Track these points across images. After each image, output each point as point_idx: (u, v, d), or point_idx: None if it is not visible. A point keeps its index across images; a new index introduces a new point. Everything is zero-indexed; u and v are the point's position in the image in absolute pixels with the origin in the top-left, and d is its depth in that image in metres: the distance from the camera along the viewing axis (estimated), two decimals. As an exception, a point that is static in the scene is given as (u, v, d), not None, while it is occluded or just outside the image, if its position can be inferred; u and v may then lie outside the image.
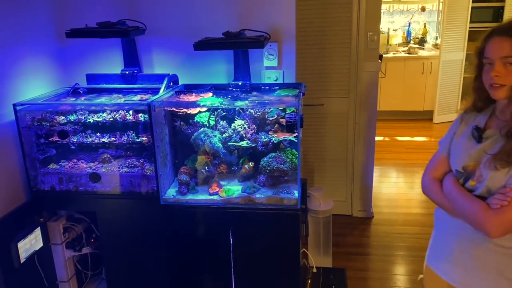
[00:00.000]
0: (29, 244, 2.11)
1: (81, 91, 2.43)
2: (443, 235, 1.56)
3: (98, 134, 2.25)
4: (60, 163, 2.27)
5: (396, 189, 4.32)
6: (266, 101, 2.13)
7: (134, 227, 2.23)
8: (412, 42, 6.75)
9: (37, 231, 2.17)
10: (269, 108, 2.16)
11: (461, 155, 1.46)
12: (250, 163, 2.19)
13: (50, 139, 2.22)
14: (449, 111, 6.13)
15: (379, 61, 3.38)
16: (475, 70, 1.45)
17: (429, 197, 1.56)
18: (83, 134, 2.25)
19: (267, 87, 2.33)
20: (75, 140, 2.24)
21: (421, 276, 1.76)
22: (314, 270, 2.61)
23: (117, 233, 2.26)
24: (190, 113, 2.23)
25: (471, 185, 1.41)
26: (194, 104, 2.15)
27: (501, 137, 1.36)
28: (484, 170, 1.36)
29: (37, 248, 2.17)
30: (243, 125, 2.18)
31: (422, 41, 6.72)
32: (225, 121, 2.25)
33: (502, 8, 6.02)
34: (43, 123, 2.19)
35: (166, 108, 2.20)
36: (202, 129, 2.22)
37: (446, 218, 1.52)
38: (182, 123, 2.27)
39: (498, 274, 1.40)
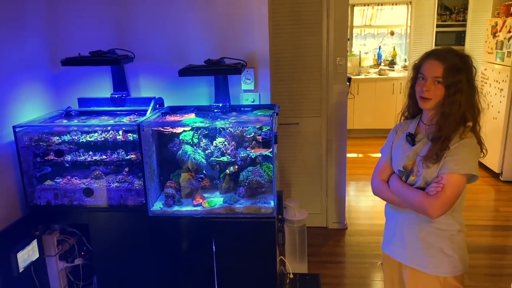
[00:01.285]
0: (27, 255, 2.28)
1: (73, 114, 2.63)
2: (394, 225, 1.85)
3: (91, 152, 2.46)
4: (55, 180, 2.46)
5: (368, 202, 4.59)
6: (244, 121, 2.37)
7: (124, 238, 2.42)
8: (382, 64, 7.14)
9: (34, 243, 2.34)
10: (247, 127, 2.40)
11: (400, 157, 1.77)
12: (234, 166, 2.40)
13: (46, 158, 2.42)
14: (418, 129, 6.47)
15: (348, 83, 3.68)
16: (411, 81, 1.76)
17: (379, 196, 1.87)
18: (77, 153, 2.45)
19: (245, 108, 2.58)
20: (69, 158, 2.44)
21: (379, 262, 2.04)
22: (291, 276, 2.83)
23: (108, 243, 2.44)
24: (175, 132, 2.46)
25: (411, 180, 1.72)
26: (179, 124, 2.38)
27: (428, 140, 1.68)
28: (419, 167, 1.68)
29: (33, 259, 2.34)
30: (223, 142, 2.41)
31: (392, 63, 7.11)
32: (207, 139, 2.48)
33: (464, 32, 6.47)
34: (40, 143, 2.38)
35: (153, 128, 2.42)
36: (184, 146, 2.44)
37: (395, 211, 1.83)
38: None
39: (440, 251, 1.71)
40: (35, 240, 2.36)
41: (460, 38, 6.52)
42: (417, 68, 1.70)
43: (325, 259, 3.48)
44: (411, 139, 1.74)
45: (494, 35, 4.94)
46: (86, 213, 2.41)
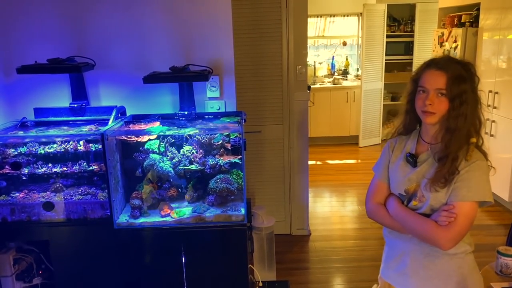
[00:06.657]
0: (-19, 276, 2.12)
1: (29, 125, 2.49)
2: (395, 250, 1.69)
3: (50, 164, 2.33)
4: (11, 194, 2.31)
5: (329, 208, 4.66)
6: (214, 128, 2.34)
7: (88, 253, 2.30)
8: (336, 73, 7.33)
9: (-12, 263, 2.19)
10: (215, 134, 2.37)
11: (401, 180, 1.61)
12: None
13: (0, 171, 2.27)
14: (372, 136, 6.70)
15: (308, 91, 3.74)
16: (408, 95, 1.61)
17: (376, 221, 1.70)
18: (35, 165, 2.32)
19: (211, 116, 2.55)
20: (26, 171, 2.30)
21: (375, 286, 1.87)
22: (260, 284, 2.80)
23: (71, 260, 2.32)
24: (140, 141, 2.39)
25: (414, 205, 1.58)
26: (145, 132, 2.31)
27: (434, 161, 1.53)
28: (425, 192, 1.54)
29: (-12, 281, 2.18)
30: (191, 150, 2.37)
31: (345, 73, 7.31)
32: (174, 147, 2.43)
33: (412, 42, 6.79)
34: (-6, 156, 2.24)
35: (117, 137, 2.34)
36: (150, 155, 2.37)
37: (395, 235, 1.67)
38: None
39: (448, 278, 1.57)
40: (-10, 260, 2.20)
41: (409, 48, 6.82)
42: (416, 81, 1.56)
43: (291, 265, 3.49)
44: (413, 160, 1.58)
45: (441, 44, 5.21)
46: (46, 229, 2.27)
